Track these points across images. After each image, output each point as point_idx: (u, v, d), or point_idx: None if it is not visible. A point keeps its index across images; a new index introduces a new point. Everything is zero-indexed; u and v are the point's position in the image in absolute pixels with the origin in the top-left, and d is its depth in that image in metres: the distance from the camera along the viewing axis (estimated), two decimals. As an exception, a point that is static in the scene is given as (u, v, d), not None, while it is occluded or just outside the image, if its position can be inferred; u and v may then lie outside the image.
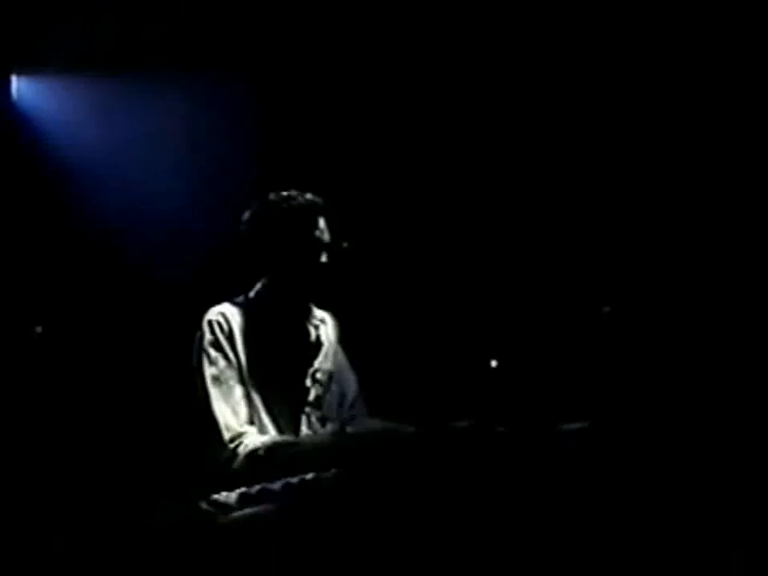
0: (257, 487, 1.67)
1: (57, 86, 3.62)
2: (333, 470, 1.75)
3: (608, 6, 3.22)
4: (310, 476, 1.72)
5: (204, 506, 1.51)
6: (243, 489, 1.65)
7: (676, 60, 3.19)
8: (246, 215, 2.26)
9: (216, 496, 1.63)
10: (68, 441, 3.19)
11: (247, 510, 1.54)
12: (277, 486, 1.64)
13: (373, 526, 1.54)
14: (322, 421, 2.20)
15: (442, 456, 1.74)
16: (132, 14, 3.31)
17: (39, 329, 3.36)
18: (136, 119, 3.53)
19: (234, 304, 2.21)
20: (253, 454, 1.93)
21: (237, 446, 1.95)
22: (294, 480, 1.67)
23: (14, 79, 3.61)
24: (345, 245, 2.23)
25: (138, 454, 3.16)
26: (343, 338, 2.42)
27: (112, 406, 3.28)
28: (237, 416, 2.01)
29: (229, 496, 1.64)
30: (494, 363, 2.28)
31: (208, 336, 2.10)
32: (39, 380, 3.25)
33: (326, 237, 2.23)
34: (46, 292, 3.45)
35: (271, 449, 1.93)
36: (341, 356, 2.38)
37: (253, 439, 1.97)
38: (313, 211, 2.21)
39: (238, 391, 2.05)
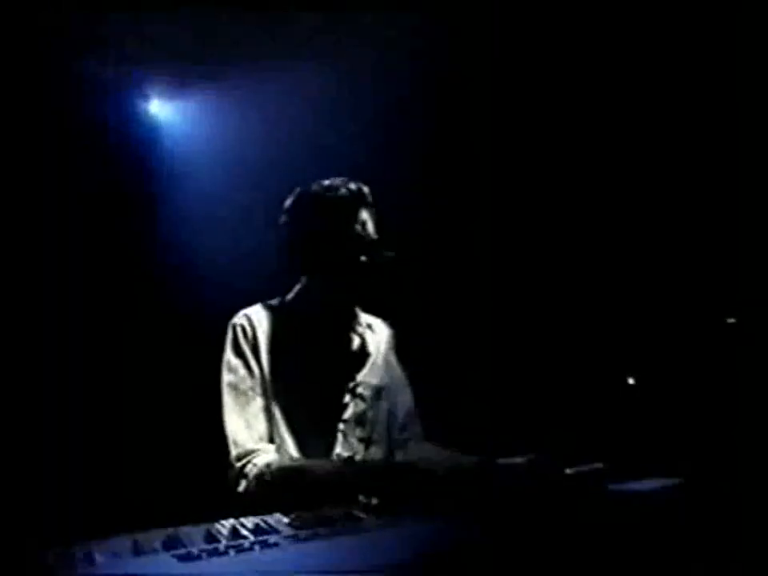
0: (276, 517, 1.38)
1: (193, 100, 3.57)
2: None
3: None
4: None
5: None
6: (259, 519, 1.37)
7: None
8: (287, 203, 2.01)
9: (233, 522, 1.35)
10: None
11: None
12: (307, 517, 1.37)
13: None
14: (365, 442, 1.93)
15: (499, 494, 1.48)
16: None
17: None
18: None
19: (267, 306, 2.00)
20: (259, 478, 1.74)
21: (244, 464, 1.77)
22: (321, 513, 1.40)
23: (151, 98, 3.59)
24: (389, 254, 1.94)
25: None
26: (400, 349, 2.13)
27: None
28: (250, 431, 1.82)
29: (245, 524, 1.37)
30: (631, 381, 2.15)
31: (230, 341, 1.93)
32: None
33: (369, 232, 1.95)
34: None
35: (277, 474, 1.73)
36: (394, 369, 2.10)
37: (261, 460, 1.77)
38: (354, 202, 1.94)
39: (257, 403, 1.85)
